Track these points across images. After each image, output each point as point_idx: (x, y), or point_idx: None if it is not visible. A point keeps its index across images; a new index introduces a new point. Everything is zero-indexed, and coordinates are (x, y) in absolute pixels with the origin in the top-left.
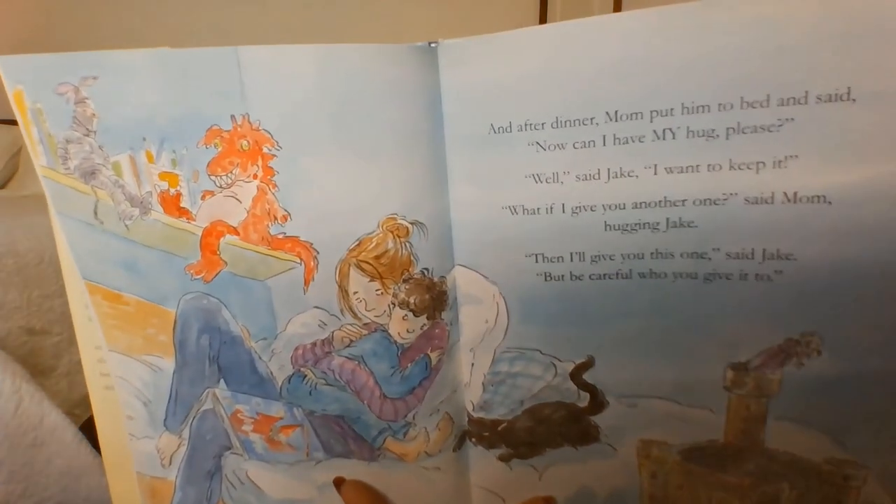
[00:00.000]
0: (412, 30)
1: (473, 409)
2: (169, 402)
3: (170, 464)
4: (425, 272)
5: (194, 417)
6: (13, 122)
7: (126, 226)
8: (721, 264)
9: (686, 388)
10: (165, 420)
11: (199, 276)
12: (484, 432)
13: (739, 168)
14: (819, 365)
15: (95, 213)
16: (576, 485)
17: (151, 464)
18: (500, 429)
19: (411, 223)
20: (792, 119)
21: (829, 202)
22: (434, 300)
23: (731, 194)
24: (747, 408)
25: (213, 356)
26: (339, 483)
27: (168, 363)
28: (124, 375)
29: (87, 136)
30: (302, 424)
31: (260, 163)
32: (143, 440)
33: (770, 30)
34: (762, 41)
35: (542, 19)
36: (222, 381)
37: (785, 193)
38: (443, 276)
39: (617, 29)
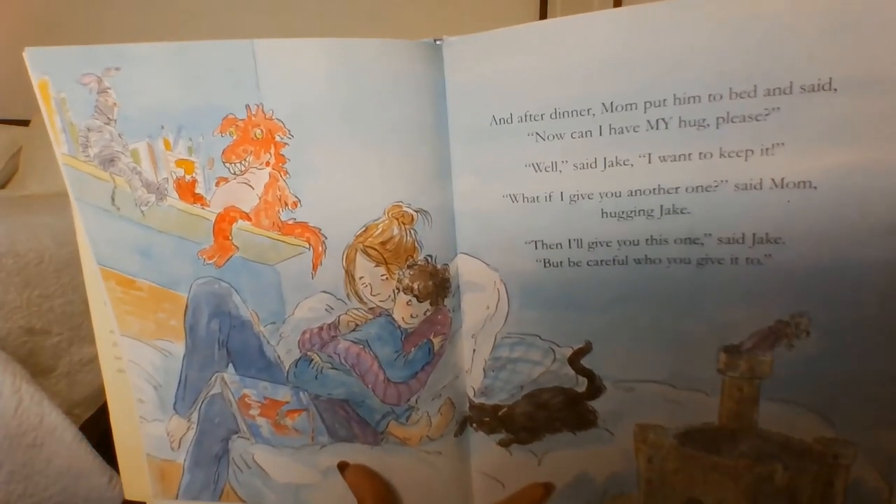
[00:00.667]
0: (414, 26)
1: (475, 395)
2: (178, 386)
3: (179, 447)
4: (429, 259)
5: (203, 401)
6: (13, 122)
7: (142, 212)
8: (713, 249)
9: (681, 371)
10: (175, 404)
11: (211, 261)
12: (485, 417)
13: (729, 156)
14: (809, 346)
15: (113, 200)
16: (574, 470)
17: (161, 446)
18: (500, 414)
19: (416, 211)
20: (778, 108)
21: (815, 187)
22: (437, 286)
23: (722, 181)
24: (740, 390)
25: (222, 340)
26: (342, 467)
27: (178, 347)
28: (136, 360)
29: (108, 124)
30: (307, 409)
31: (272, 151)
32: (154, 423)
33: (756, 24)
34: (749, 35)
35: (543, 15)
36: (231, 365)
37: (773, 179)
38: (446, 264)
39: (611, 24)
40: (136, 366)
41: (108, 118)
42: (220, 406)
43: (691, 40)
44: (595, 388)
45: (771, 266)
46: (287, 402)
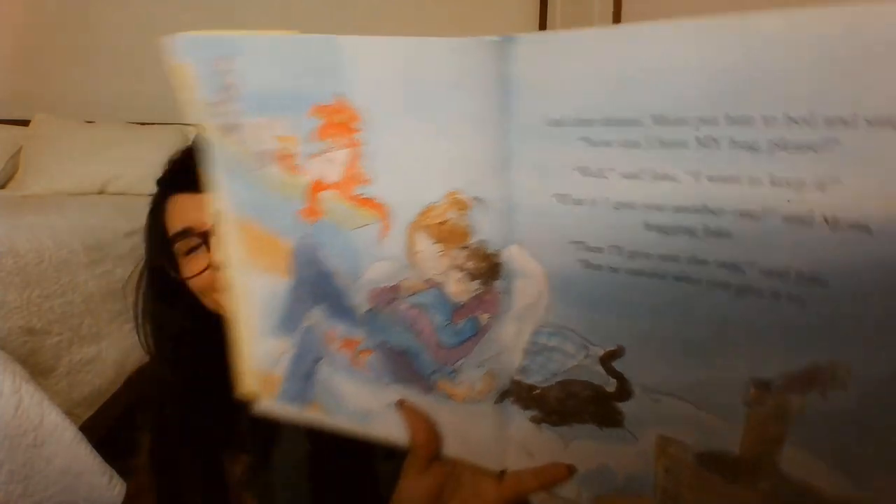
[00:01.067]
0: (410, 26)
1: (513, 373)
2: (283, 313)
3: (279, 362)
4: (482, 243)
5: (300, 329)
6: (13, 122)
7: (255, 174)
8: (755, 279)
9: (708, 395)
10: (279, 327)
11: (306, 220)
12: (521, 394)
13: (780, 185)
14: (844, 399)
15: (234, 162)
16: (597, 461)
17: (266, 360)
18: (534, 394)
19: (473, 199)
20: (837, 140)
21: (870, 232)
22: (487, 269)
23: (770, 210)
24: (766, 427)
25: (315, 284)
26: (400, 404)
27: (285, 283)
28: (253, 289)
29: (228, 101)
30: (377, 351)
31: (351, 135)
32: (263, 340)
33: (819, 44)
34: (810, 57)
35: (542, 18)
36: (322, 305)
37: (825, 217)
38: (497, 250)
39: (669, 36)
40: (253, 294)
41: (228, 96)
42: (312, 336)
43: (750, 58)
44: (624, 391)
45: (813, 307)
46: (361, 342)
